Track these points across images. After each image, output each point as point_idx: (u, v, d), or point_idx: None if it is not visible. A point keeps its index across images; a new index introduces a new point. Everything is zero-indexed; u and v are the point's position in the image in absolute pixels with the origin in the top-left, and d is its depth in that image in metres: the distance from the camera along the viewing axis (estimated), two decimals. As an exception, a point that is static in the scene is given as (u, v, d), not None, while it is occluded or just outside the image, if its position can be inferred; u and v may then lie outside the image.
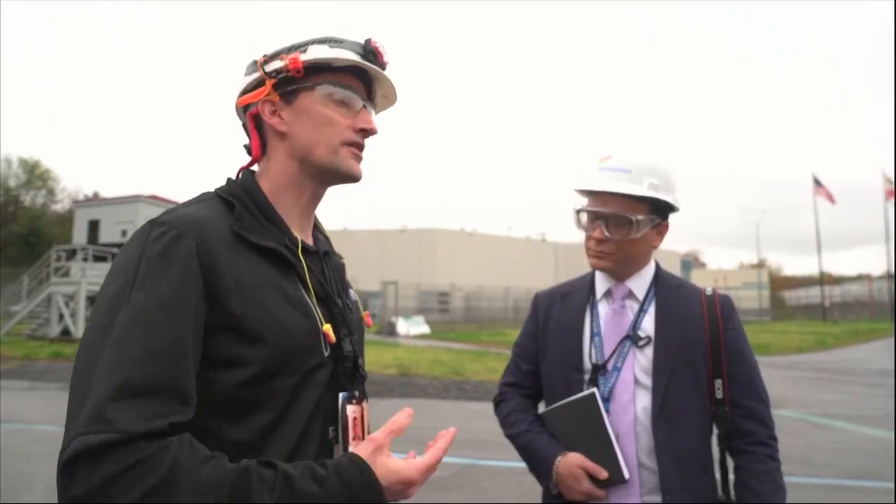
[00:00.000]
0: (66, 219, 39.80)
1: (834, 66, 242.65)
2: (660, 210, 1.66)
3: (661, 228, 1.70)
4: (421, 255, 49.58)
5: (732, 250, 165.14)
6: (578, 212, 1.70)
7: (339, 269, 1.23)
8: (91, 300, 21.54)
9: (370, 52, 1.11)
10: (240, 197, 1.06)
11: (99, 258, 22.17)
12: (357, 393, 1.10)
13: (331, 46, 1.09)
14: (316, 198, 1.16)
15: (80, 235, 23.94)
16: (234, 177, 1.14)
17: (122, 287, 0.91)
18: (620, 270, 1.70)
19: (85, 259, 21.64)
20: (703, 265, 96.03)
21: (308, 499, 0.86)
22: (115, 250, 22.27)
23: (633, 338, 1.64)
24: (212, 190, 1.11)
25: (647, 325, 1.65)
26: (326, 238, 1.24)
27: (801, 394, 11.79)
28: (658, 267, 1.76)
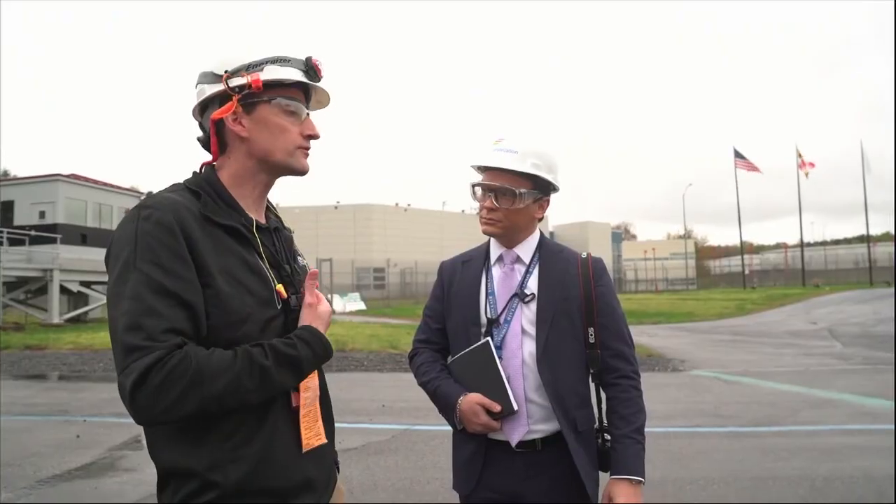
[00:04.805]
0: (-24, 200, 37.44)
1: (756, 46, 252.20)
2: (541, 187, 1.92)
3: (542, 203, 1.96)
4: (356, 232, 49.19)
5: (661, 223, 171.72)
6: (474, 186, 1.96)
7: (288, 240, 1.49)
8: (7, 286, 20.56)
9: (311, 68, 1.36)
10: (204, 187, 1.31)
11: (15, 241, 21.06)
12: None
13: (281, 66, 1.33)
14: (268, 186, 1.42)
15: (-8, 218, 22.64)
16: (198, 170, 1.38)
17: (127, 259, 1.16)
18: (508, 237, 1.96)
19: None
20: (633, 237, 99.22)
21: (289, 357, 1.24)
22: (32, 233, 21.27)
23: (520, 295, 1.90)
24: (181, 181, 1.35)
25: (532, 285, 1.92)
26: (277, 216, 1.51)
27: (717, 355, 12.61)
28: (542, 236, 2.04)
